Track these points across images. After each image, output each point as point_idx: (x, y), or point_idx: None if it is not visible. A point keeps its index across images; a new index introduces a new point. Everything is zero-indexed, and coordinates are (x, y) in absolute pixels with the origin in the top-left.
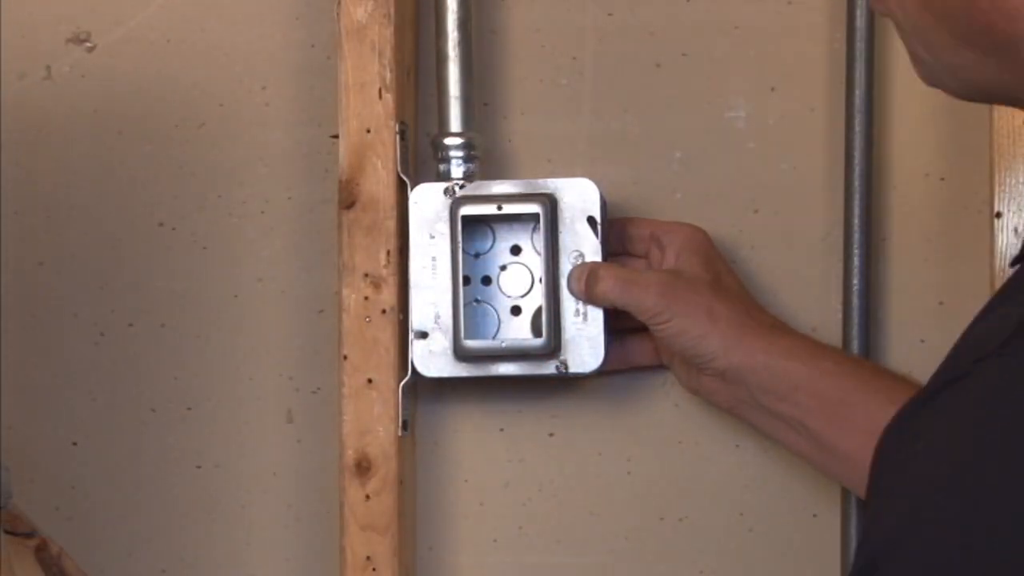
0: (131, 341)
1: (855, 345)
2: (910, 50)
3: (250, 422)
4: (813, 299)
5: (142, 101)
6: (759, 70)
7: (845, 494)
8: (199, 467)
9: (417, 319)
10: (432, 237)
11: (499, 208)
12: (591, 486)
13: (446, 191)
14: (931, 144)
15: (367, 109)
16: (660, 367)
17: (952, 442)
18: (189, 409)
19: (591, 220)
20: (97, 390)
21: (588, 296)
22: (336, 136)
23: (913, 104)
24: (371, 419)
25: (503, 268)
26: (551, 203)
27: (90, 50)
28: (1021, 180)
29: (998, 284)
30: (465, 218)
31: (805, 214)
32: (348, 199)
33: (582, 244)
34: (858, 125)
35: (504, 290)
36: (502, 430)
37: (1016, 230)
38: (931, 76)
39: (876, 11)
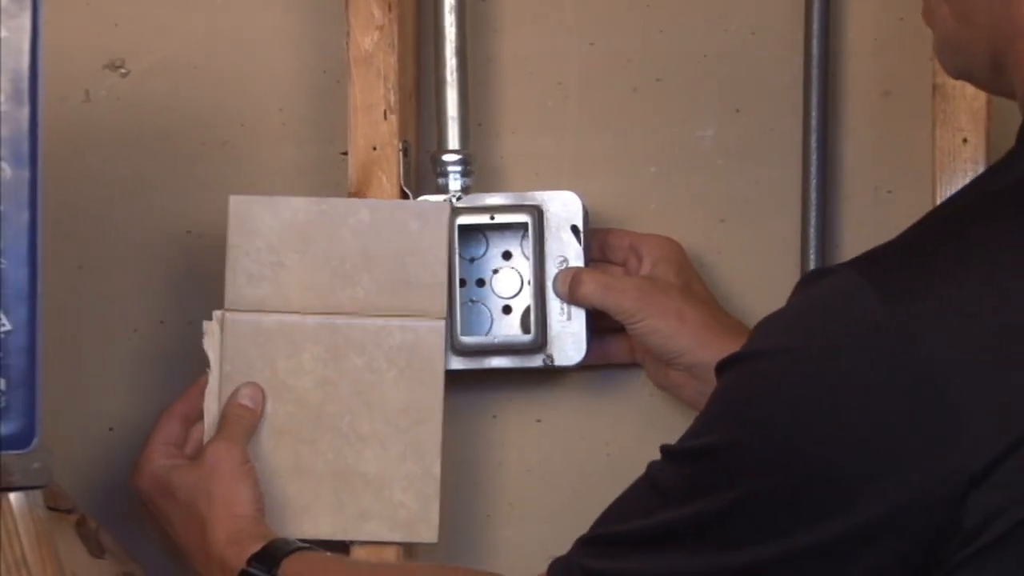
0: (162, 337)
1: None
2: (942, 50)
3: None
4: (773, 300)
5: (171, 121)
6: (726, 94)
7: None
8: None
9: None
10: None
11: (492, 218)
12: (574, 467)
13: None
14: (880, 161)
15: (373, 129)
16: (634, 364)
17: None
18: None
19: (574, 229)
20: (131, 381)
21: (571, 297)
22: (345, 153)
23: (864, 125)
24: None
25: (495, 271)
26: (538, 213)
27: (124, 76)
28: None
29: None
30: (461, 227)
31: (767, 223)
32: None
33: (566, 250)
34: (814, 143)
35: (496, 291)
36: (495, 417)
37: None
38: (956, 71)
39: (924, 21)
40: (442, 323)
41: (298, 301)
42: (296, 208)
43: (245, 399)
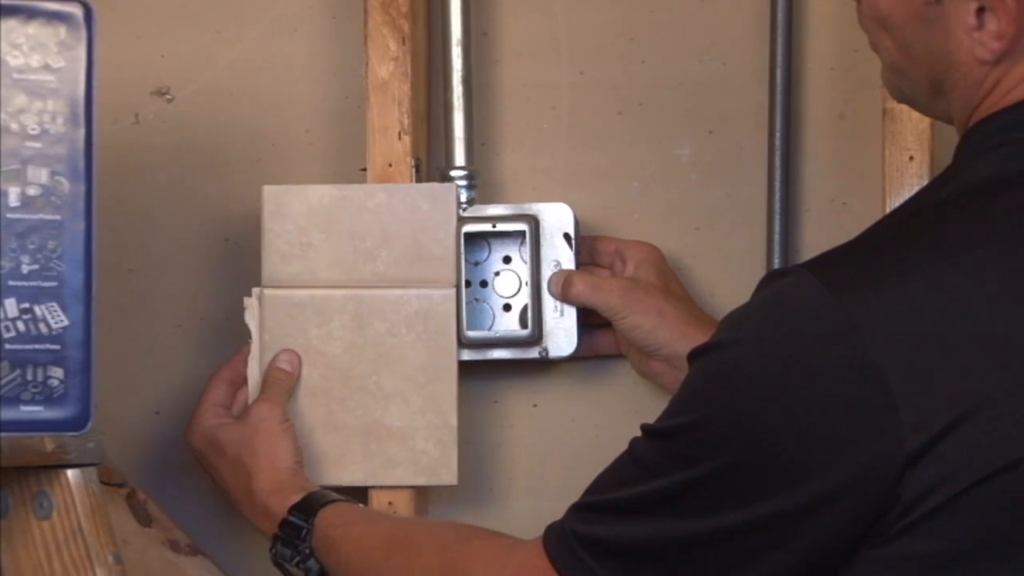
0: (202, 331)
1: None
2: (888, 77)
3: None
4: (743, 298)
5: (211, 142)
6: (700, 117)
7: None
8: None
9: None
10: None
11: (494, 226)
12: (566, 447)
13: None
14: (836, 176)
15: (389, 148)
16: (620, 356)
17: None
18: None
19: (567, 236)
20: (176, 370)
21: (564, 297)
22: (364, 169)
23: (822, 144)
24: None
25: (497, 274)
26: (535, 222)
27: (170, 101)
28: None
29: None
30: (467, 234)
31: (736, 231)
32: None
33: (560, 255)
34: (778, 160)
35: (497, 291)
36: (496, 402)
37: None
38: (901, 96)
39: (872, 48)
40: (453, 291)
41: (326, 276)
42: (321, 194)
43: (283, 364)
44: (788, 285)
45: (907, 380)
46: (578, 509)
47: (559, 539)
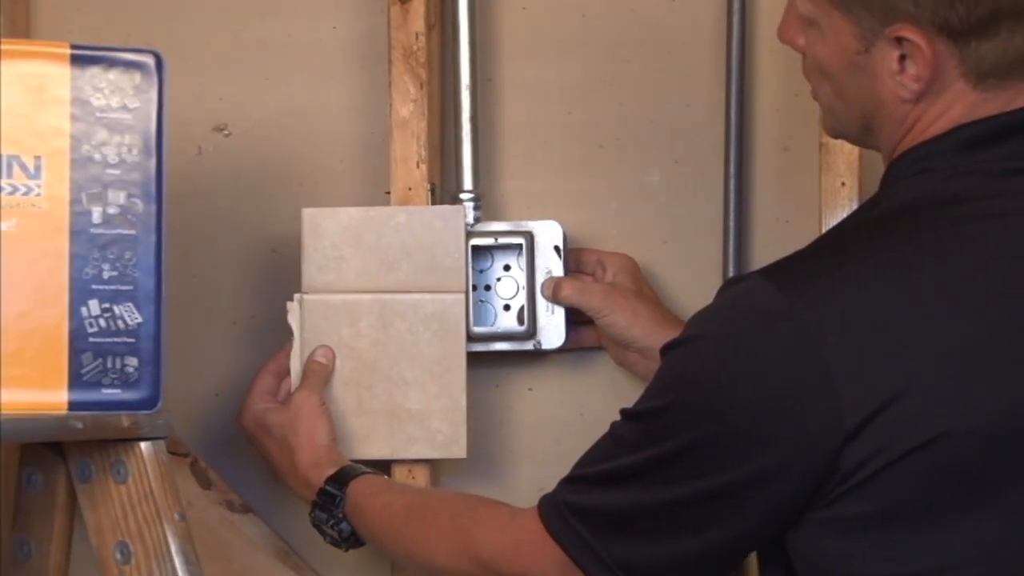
0: (254, 327)
1: None
2: (825, 118)
3: None
4: (703, 300)
5: (262, 170)
6: (667, 149)
7: None
8: None
9: None
10: None
11: (496, 240)
12: (557, 424)
13: None
14: (780, 198)
15: (409, 175)
16: (600, 348)
17: None
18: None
19: (557, 248)
20: (231, 359)
21: (554, 299)
22: (389, 192)
23: (769, 172)
24: None
25: (498, 279)
26: (530, 237)
27: (227, 136)
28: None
29: None
30: (473, 247)
31: (697, 245)
32: None
33: (551, 264)
34: (732, 186)
35: (499, 294)
36: (497, 386)
37: None
38: (836, 133)
39: (813, 96)
40: (462, 295)
41: (355, 283)
42: (351, 215)
43: (320, 357)
44: (744, 288)
45: (845, 366)
46: (567, 482)
47: (552, 507)
